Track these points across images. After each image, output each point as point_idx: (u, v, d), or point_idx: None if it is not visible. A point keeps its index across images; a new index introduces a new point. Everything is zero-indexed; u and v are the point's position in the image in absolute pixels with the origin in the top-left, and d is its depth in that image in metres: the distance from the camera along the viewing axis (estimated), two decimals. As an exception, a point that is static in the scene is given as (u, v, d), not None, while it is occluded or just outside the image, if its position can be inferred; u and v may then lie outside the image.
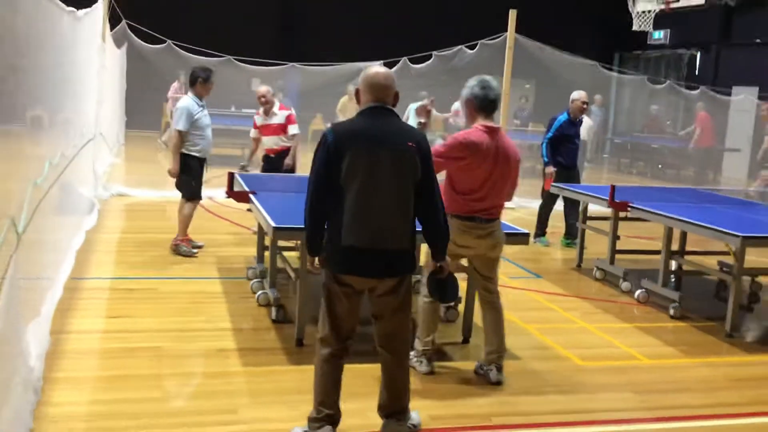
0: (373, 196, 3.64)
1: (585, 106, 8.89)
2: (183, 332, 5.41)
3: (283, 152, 8.51)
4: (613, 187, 7.22)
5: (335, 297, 3.77)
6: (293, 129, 8.50)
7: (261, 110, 8.55)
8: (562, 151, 8.84)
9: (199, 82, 7.52)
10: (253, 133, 8.70)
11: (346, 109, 18.17)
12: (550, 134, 8.85)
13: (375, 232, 3.65)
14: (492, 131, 4.64)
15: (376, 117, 3.73)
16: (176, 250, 7.61)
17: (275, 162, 8.54)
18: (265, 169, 8.64)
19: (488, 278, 4.90)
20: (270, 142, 8.53)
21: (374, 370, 4.18)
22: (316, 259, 3.86)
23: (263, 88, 8.65)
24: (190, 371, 4.74)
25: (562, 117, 8.89)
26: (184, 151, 7.51)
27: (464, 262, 4.98)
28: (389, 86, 3.77)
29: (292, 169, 8.51)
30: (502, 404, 4.50)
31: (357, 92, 3.85)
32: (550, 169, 8.75)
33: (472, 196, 4.68)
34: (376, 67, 3.87)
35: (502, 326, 4.86)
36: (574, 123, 8.93)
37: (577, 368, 5.20)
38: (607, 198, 7.20)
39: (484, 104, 4.65)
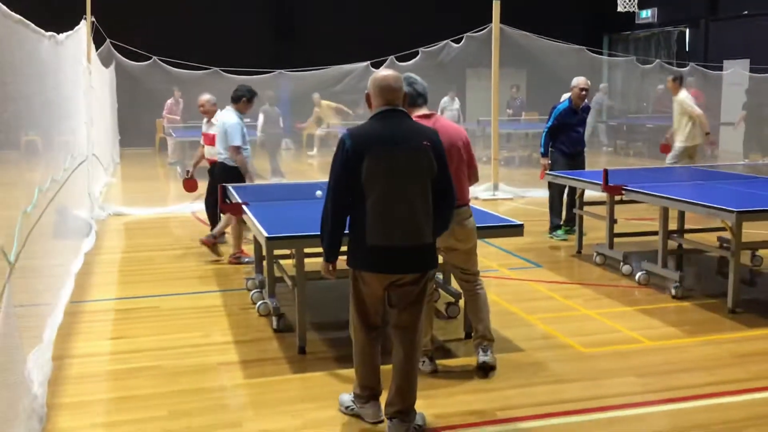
0: (395, 195, 3.81)
1: (584, 92, 8.66)
2: (185, 348, 5.41)
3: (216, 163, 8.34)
4: (606, 171, 7.21)
5: (361, 294, 3.98)
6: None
7: (204, 120, 8.65)
8: (564, 139, 8.72)
9: (244, 101, 7.85)
10: (202, 140, 8.79)
11: (325, 113, 18.27)
12: (549, 123, 8.75)
13: (399, 229, 3.82)
14: (426, 118, 4.62)
15: (390, 119, 3.89)
16: (238, 261, 7.79)
17: (212, 171, 8.43)
18: (208, 179, 8.57)
19: (465, 270, 4.95)
20: (211, 151, 8.42)
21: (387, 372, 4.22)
22: (330, 265, 4.06)
23: (204, 97, 8.68)
24: (193, 387, 4.74)
25: (563, 105, 8.77)
26: (227, 163, 7.77)
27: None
28: (399, 88, 3.94)
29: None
30: (506, 398, 4.49)
31: (368, 97, 4.00)
32: (544, 161, 8.72)
33: None
34: (384, 71, 4.04)
35: (485, 311, 4.94)
36: (575, 111, 8.73)
37: (581, 355, 5.19)
38: (600, 183, 7.18)
39: (414, 98, 4.66)
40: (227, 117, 7.81)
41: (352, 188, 3.82)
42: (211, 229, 8.64)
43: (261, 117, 14.62)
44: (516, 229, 5.38)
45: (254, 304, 6.30)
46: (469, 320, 5.54)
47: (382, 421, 4.13)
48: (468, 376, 4.82)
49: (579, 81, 8.68)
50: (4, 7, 4.14)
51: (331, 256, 4.03)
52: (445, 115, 17.26)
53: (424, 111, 4.74)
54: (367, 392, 4.14)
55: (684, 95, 10.33)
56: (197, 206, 10.90)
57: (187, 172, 8.92)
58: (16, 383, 3.87)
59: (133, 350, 5.39)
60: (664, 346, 5.33)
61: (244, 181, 7.74)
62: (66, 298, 6.35)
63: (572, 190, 8.57)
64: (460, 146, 4.74)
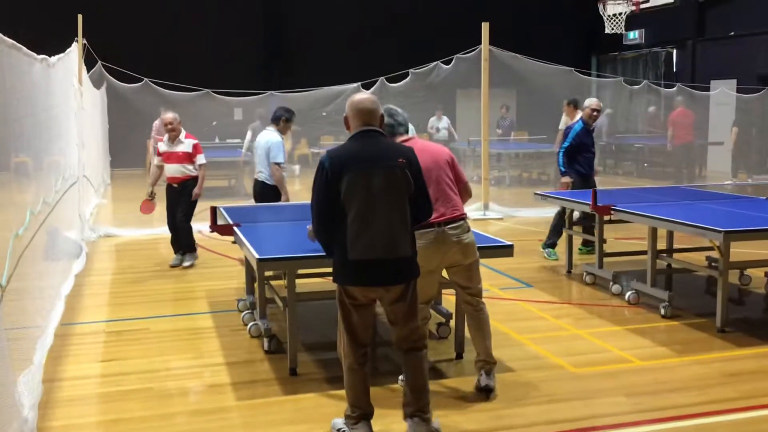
0: (373, 211, 3.96)
1: (595, 113, 8.77)
2: (176, 371, 5.41)
3: (187, 181, 8.53)
4: (594, 192, 7.27)
5: (347, 310, 4.08)
6: (201, 159, 8.58)
7: (166, 137, 8.60)
8: (580, 159, 8.75)
9: (283, 120, 7.98)
10: (156, 160, 8.73)
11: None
12: (567, 143, 8.73)
13: (378, 244, 3.97)
14: (406, 142, 4.64)
15: (367, 139, 4.07)
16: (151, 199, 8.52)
17: (178, 192, 8.57)
18: (168, 199, 8.68)
19: (466, 288, 4.90)
20: (173, 170, 8.51)
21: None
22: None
23: (170, 115, 8.65)
24: (184, 410, 4.73)
25: (578, 126, 8.80)
26: (267, 181, 7.94)
27: (444, 273, 4.98)
28: (375, 110, 4.11)
29: (196, 198, 8.62)
30: (498, 418, 4.51)
31: (346, 119, 4.15)
32: (566, 179, 8.71)
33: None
34: (360, 95, 4.21)
35: (487, 334, 4.89)
36: (589, 131, 8.82)
37: (571, 375, 5.21)
38: (589, 203, 7.23)
39: (394, 128, 4.72)
40: (271, 136, 7.93)
41: (333, 205, 3.97)
42: (175, 252, 8.80)
43: (249, 134, 14.62)
44: (506, 250, 5.41)
45: (245, 325, 6.30)
46: (459, 340, 5.59)
47: None
48: (459, 396, 4.83)
49: (591, 102, 8.82)
50: (-2, 33, 4.17)
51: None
52: (436, 136, 17.35)
53: (404, 137, 4.80)
54: (358, 413, 4.17)
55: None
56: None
57: (151, 194, 8.84)
58: (6, 406, 3.86)
59: (123, 372, 5.37)
60: (654, 366, 5.36)
61: (280, 200, 7.90)
62: (56, 320, 6.33)
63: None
64: (442, 163, 4.77)
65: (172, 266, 8.66)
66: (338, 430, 4.27)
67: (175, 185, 8.58)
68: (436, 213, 4.54)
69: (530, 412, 4.60)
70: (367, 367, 4.18)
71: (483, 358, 4.85)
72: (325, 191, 3.97)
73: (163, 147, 8.59)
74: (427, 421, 4.16)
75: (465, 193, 4.92)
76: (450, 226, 4.66)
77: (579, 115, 9.46)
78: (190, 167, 8.54)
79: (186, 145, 8.52)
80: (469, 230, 4.79)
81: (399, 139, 4.73)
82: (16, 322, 4.67)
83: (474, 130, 17.36)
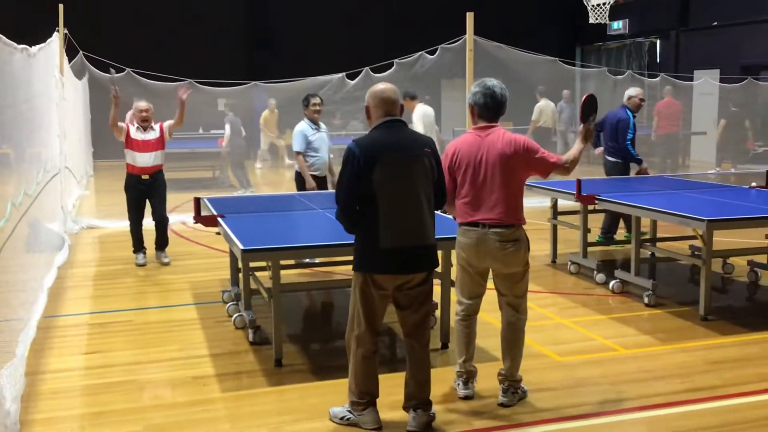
0: (405, 199, 4.07)
1: (642, 102, 8.89)
2: (160, 363, 5.38)
3: (158, 173, 8.27)
4: (579, 181, 7.28)
5: (370, 298, 4.13)
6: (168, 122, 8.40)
7: (136, 126, 8.23)
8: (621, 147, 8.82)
9: (303, 106, 8.08)
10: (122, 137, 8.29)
11: (268, 122, 18.26)
12: (630, 135, 8.70)
13: (411, 231, 4.09)
14: (482, 130, 4.48)
15: (393, 129, 4.14)
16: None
17: (150, 185, 8.22)
18: (138, 193, 8.28)
19: (504, 295, 4.63)
20: (146, 159, 8.16)
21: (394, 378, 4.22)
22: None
23: (145, 103, 8.38)
24: (169, 402, 4.71)
25: (630, 116, 8.76)
26: (296, 169, 8.04)
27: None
28: (397, 100, 4.18)
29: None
30: (482, 408, 4.51)
31: (367, 109, 4.22)
32: (645, 165, 8.80)
33: (465, 200, 4.50)
34: (382, 85, 4.24)
35: (515, 348, 4.60)
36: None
37: (556, 364, 5.23)
38: (574, 192, 7.24)
39: (482, 111, 4.50)
40: (296, 125, 8.08)
41: (363, 194, 4.03)
42: (138, 250, 8.44)
43: (228, 127, 14.49)
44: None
45: (230, 316, 6.27)
46: (445, 330, 5.59)
47: (380, 428, 4.20)
48: (443, 386, 4.82)
49: (637, 92, 8.95)
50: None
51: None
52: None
53: (484, 123, 4.52)
54: (367, 398, 4.23)
55: (421, 110, 10.12)
56: (172, 218, 10.85)
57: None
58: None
59: (107, 365, 5.34)
60: (638, 354, 5.38)
61: (305, 188, 7.91)
62: (39, 312, 6.28)
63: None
64: (504, 162, 4.41)
65: (141, 265, 8.29)
66: (342, 418, 4.29)
67: (146, 177, 8.18)
68: (482, 214, 4.43)
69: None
70: (378, 355, 4.27)
71: (504, 373, 4.60)
72: (357, 179, 4.01)
73: (137, 135, 8.21)
74: (427, 411, 4.25)
75: (559, 171, 4.60)
76: (495, 230, 4.42)
77: (420, 106, 9.63)
78: (161, 155, 8.28)
79: (156, 131, 8.25)
80: (517, 240, 4.47)
81: (481, 124, 4.51)
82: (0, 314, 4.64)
83: (459, 120, 17.38)
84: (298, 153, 7.97)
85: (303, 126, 8.01)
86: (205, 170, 15.81)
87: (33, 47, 7.34)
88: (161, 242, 8.52)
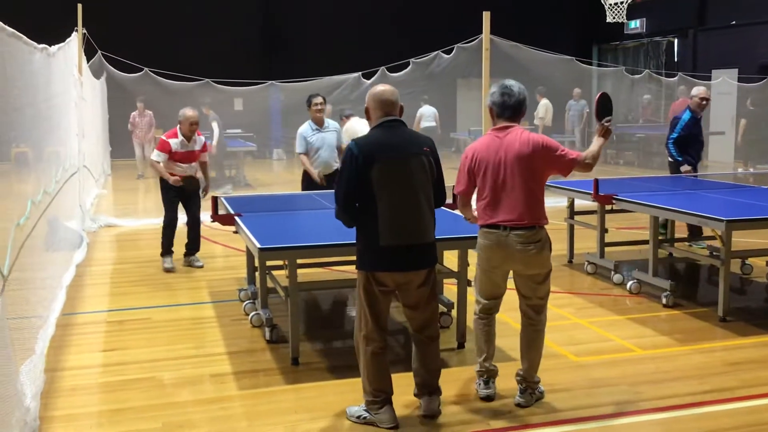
0: (405, 197, 4.12)
1: (704, 101, 8.64)
2: (178, 360, 5.41)
3: (194, 178, 8.06)
4: (596, 181, 7.25)
5: (374, 296, 4.19)
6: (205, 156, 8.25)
7: (181, 138, 7.84)
8: (691, 150, 8.69)
9: (306, 107, 8.16)
10: (161, 159, 7.84)
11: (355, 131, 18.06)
12: (675, 134, 8.58)
13: (410, 229, 4.14)
14: (500, 130, 4.42)
15: (392, 128, 4.20)
16: None
17: (191, 191, 8.03)
18: (178, 197, 8.05)
19: (525, 297, 4.57)
20: (190, 169, 8.02)
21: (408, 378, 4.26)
22: None
23: (194, 112, 7.99)
24: (187, 399, 4.73)
25: (686, 116, 8.69)
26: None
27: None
28: (395, 101, 4.24)
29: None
30: (499, 408, 4.51)
31: (367, 110, 4.28)
32: (686, 167, 8.62)
33: (485, 202, 4.44)
34: (381, 86, 4.31)
35: (534, 350, 4.56)
36: (697, 120, 8.69)
37: (573, 365, 5.22)
38: (591, 192, 7.22)
39: (501, 110, 4.43)
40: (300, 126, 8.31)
41: (360, 194, 4.09)
42: (166, 252, 8.12)
43: (216, 128, 14.13)
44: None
45: (247, 315, 6.30)
46: (461, 330, 5.59)
47: (397, 426, 4.21)
48: (459, 386, 4.82)
49: (700, 91, 8.76)
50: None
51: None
52: (423, 125, 16.83)
53: (503, 124, 4.45)
54: (382, 396, 4.26)
55: (351, 124, 9.60)
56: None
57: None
58: (8, 396, 3.86)
59: (125, 362, 5.38)
60: (655, 355, 5.36)
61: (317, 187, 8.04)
62: (58, 310, 6.34)
63: None
64: (525, 163, 4.34)
65: (168, 270, 8.01)
66: (359, 417, 4.31)
67: (187, 183, 7.95)
68: (503, 215, 4.36)
69: (531, 401, 4.59)
70: (387, 351, 4.32)
71: (522, 374, 4.56)
72: (356, 178, 4.07)
73: (180, 147, 7.84)
74: (438, 395, 4.41)
75: (581, 168, 4.48)
76: (517, 232, 4.34)
77: (351, 121, 9.38)
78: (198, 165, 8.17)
79: (199, 142, 8.05)
80: (539, 240, 4.39)
81: (500, 124, 4.44)
82: (18, 311, 4.67)
83: (474, 120, 17.35)
84: (299, 154, 8.26)
85: (303, 128, 8.23)
86: (221, 169, 15.84)
87: (52, 47, 7.40)
88: (194, 246, 8.27)
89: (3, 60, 4.38)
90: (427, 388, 4.37)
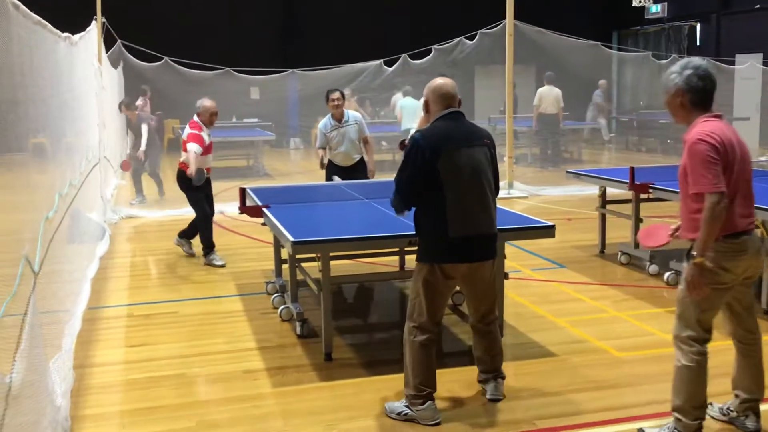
0: (473, 188, 4.12)
1: None
2: (207, 356, 5.28)
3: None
4: (632, 170, 7.06)
5: (435, 288, 4.16)
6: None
7: (207, 131, 7.76)
8: None
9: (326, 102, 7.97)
10: (195, 152, 7.53)
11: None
12: None
13: (479, 220, 4.14)
14: (705, 122, 3.66)
15: (455, 120, 4.19)
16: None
17: (208, 183, 7.90)
18: (203, 191, 7.83)
19: (749, 309, 3.99)
20: (210, 161, 7.93)
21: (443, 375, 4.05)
22: None
23: (213, 102, 7.82)
24: (218, 397, 4.61)
25: None
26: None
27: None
28: (455, 94, 4.24)
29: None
30: (545, 406, 4.35)
31: (426, 104, 4.26)
32: None
33: (735, 204, 3.67)
34: (440, 80, 4.27)
35: (761, 371, 4.03)
36: None
37: (616, 360, 5.05)
38: (627, 181, 7.03)
39: (700, 98, 3.66)
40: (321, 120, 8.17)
41: (426, 185, 4.07)
42: (208, 245, 7.96)
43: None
44: (547, 231, 5.22)
45: (276, 308, 6.17)
46: (500, 322, 5.41)
47: (439, 423, 4.12)
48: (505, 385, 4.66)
49: None
50: (24, 8, 4.01)
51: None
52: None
53: (705, 115, 3.70)
54: (426, 392, 4.18)
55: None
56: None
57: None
58: (40, 394, 3.75)
59: (154, 358, 5.26)
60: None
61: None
62: (83, 304, 6.23)
63: None
64: (748, 155, 3.77)
65: (221, 265, 7.79)
66: (399, 413, 4.21)
67: (208, 175, 7.82)
68: (751, 216, 3.78)
69: (579, 399, 4.44)
70: (436, 344, 4.29)
71: (756, 397, 4.03)
72: (421, 169, 4.05)
73: (208, 139, 7.74)
74: (503, 380, 4.49)
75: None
76: (755, 231, 3.80)
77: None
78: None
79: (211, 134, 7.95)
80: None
81: (701, 117, 3.67)
82: (46, 306, 4.55)
83: (493, 108, 17.13)
84: (319, 148, 8.10)
85: (323, 123, 8.04)
86: (239, 159, 15.73)
87: (74, 35, 7.26)
88: (211, 240, 8.03)
89: (30, 50, 4.25)
90: (492, 373, 4.47)
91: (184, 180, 7.67)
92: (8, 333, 3.26)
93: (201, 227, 7.96)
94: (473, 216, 4.13)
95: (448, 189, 4.07)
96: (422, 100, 4.32)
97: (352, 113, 8.16)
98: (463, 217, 4.09)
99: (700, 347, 3.83)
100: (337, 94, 7.95)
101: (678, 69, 3.73)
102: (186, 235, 8.26)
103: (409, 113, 12.69)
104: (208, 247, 7.94)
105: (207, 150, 7.75)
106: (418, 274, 4.20)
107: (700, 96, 3.66)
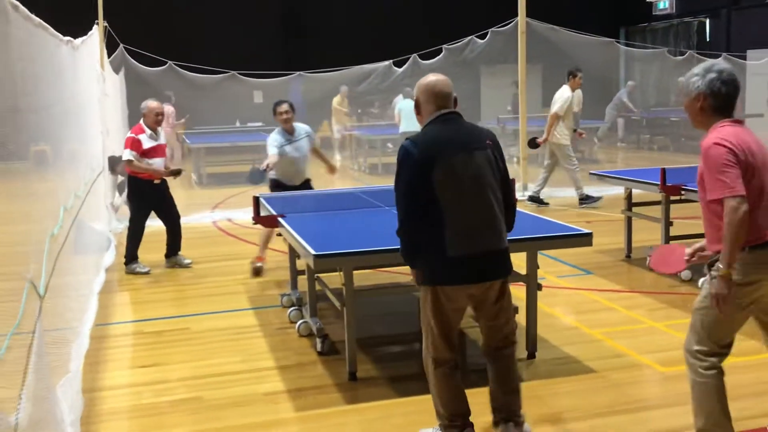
0: (472, 200, 3.63)
1: None
2: (225, 377, 4.97)
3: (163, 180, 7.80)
4: (663, 171, 6.75)
5: (442, 314, 3.70)
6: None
7: (148, 133, 7.57)
8: None
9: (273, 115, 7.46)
10: (133, 157, 7.46)
11: (337, 111, 17.36)
12: None
13: (482, 235, 3.65)
14: (722, 127, 3.42)
15: (450, 123, 3.71)
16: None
17: (163, 188, 7.80)
18: (155, 198, 7.77)
19: None
20: (160, 165, 7.68)
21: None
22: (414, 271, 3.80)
23: (159, 104, 7.77)
24: (238, 423, 4.30)
25: None
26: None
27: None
28: (450, 92, 3.74)
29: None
30: (593, 428, 4.04)
31: (417, 103, 3.78)
32: None
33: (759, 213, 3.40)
34: (433, 76, 3.81)
35: None
36: None
37: (661, 376, 4.74)
38: (657, 182, 6.72)
39: (723, 103, 3.44)
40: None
41: (425, 197, 3.59)
42: (170, 254, 7.92)
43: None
44: (584, 238, 4.90)
45: (293, 323, 5.86)
46: (532, 338, 5.10)
47: None
48: (534, 403, 4.34)
49: None
50: (25, 10, 3.71)
51: (414, 264, 3.79)
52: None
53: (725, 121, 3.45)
54: (460, 421, 3.78)
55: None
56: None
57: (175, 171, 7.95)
58: (47, 423, 3.44)
59: (168, 380, 4.95)
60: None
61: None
62: (91, 320, 5.92)
63: None
64: None
65: (146, 273, 7.71)
66: None
67: (158, 181, 7.71)
68: None
69: (624, 421, 4.13)
70: (459, 369, 3.85)
71: None
72: (417, 183, 3.58)
73: (150, 142, 7.54)
74: (521, 425, 3.85)
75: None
76: None
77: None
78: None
79: (163, 136, 7.80)
80: None
81: (719, 123, 3.42)
82: (52, 324, 4.25)
83: (499, 108, 16.82)
84: (272, 154, 7.30)
85: (273, 136, 7.37)
86: (244, 164, 15.39)
87: (76, 39, 6.97)
88: (178, 245, 8.05)
89: (31, 54, 3.95)
90: (502, 413, 3.87)
91: (133, 189, 7.70)
92: (12, 367, 2.96)
93: (129, 238, 7.82)
94: (475, 231, 3.63)
95: (444, 202, 3.58)
96: (412, 100, 3.88)
97: (301, 125, 7.58)
98: (464, 233, 3.60)
99: (712, 361, 3.58)
100: (285, 107, 7.35)
101: (701, 72, 3.47)
102: (171, 253, 8.04)
103: (408, 115, 12.41)
104: (132, 257, 7.79)
105: (154, 153, 7.56)
106: (423, 299, 3.76)
107: (721, 101, 3.44)
